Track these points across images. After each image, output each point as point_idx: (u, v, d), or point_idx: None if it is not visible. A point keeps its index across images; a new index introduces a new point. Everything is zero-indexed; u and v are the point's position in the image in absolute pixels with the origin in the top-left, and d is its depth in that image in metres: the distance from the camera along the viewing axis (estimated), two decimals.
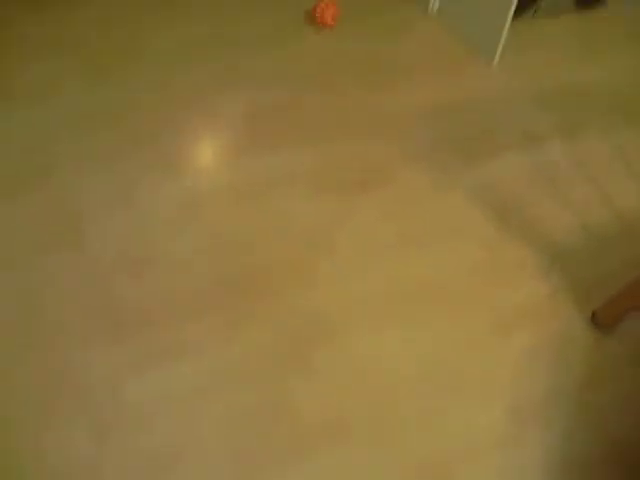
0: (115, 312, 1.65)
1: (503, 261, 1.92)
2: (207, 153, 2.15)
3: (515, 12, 2.53)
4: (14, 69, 2.34)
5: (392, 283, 1.81)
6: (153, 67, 2.41)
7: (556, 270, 1.92)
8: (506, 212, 2.07)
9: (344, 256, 1.87)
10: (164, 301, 1.69)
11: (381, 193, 2.06)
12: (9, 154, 2.03)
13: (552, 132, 2.37)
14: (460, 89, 2.49)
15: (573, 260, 1.96)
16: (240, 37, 2.60)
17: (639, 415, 1.61)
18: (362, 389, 1.58)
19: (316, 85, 2.43)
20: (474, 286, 1.85)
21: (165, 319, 1.65)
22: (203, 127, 2.24)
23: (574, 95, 2.55)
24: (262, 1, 2.81)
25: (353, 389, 1.58)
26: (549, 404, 1.60)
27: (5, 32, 2.49)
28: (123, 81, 2.33)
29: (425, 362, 1.65)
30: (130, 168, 2.03)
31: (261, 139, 2.19)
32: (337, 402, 1.55)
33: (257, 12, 2.74)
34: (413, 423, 1.53)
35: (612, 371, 1.70)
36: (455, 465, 1.47)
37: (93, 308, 1.66)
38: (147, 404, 1.50)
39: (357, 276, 1.82)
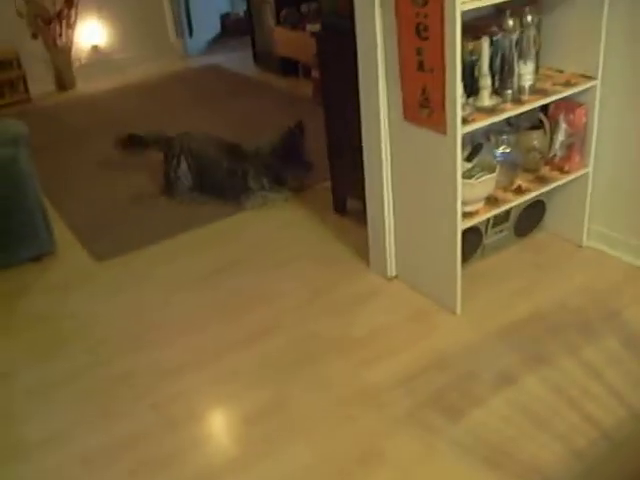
0: None
1: None
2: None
3: (464, 257, 2.80)
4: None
5: None
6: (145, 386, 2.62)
7: None
8: (498, 458, 2.15)
9: None
10: None
11: (380, 474, 2.16)
12: None
13: (524, 366, 2.52)
14: (430, 345, 2.68)
15: None
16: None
17: None
18: None
19: (298, 374, 2.61)
20: None
21: None
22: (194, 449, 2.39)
23: (536, 322, 2.74)
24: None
25: None
26: None
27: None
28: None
29: None
30: None
31: (254, 445, 2.33)
32: None
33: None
34: None
35: None
36: None
37: None
38: None
39: None
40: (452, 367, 2.56)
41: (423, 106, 2.54)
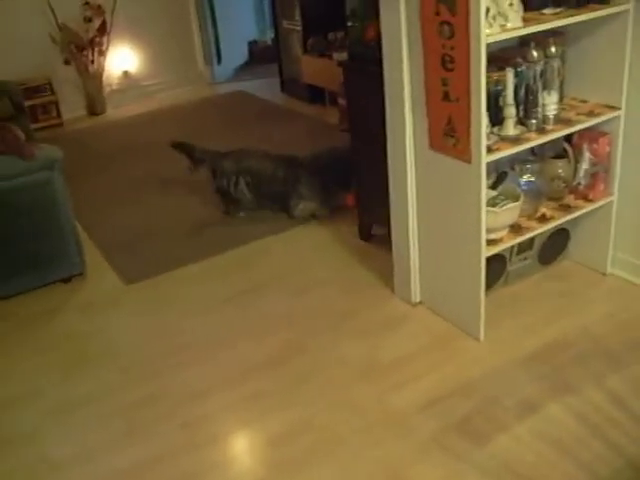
0: None
1: None
2: None
3: (488, 284, 2.83)
4: None
5: None
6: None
7: None
8: None
9: None
10: None
11: None
12: None
13: (548, 393, 2.53)
14: (454, 371, 2.70)
15: None
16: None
17: None
18: None
19: (324, 397, 2.65)
20: None
21: None
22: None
23: (560, 350, 2.75)
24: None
25: None
26: None
27: None
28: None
29: None
30: None
31: (279, 467, 2.36)
32: None
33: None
34: None
35: None
36: None
37: None
38: None
39: None
40: (476, 393, 2.58)
41: (448, 135, 2.59)
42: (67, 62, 6.58)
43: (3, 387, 2.90)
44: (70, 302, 3.51)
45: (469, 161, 2.54)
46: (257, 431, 2.55)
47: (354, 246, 3.70)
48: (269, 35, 8.10)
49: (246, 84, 7.30)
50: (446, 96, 2.53)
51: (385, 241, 3.48)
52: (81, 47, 6.54)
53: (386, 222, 3.17)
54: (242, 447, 2.55)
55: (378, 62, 2.87)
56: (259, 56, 8.00)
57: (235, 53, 7.76)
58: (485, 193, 2.57)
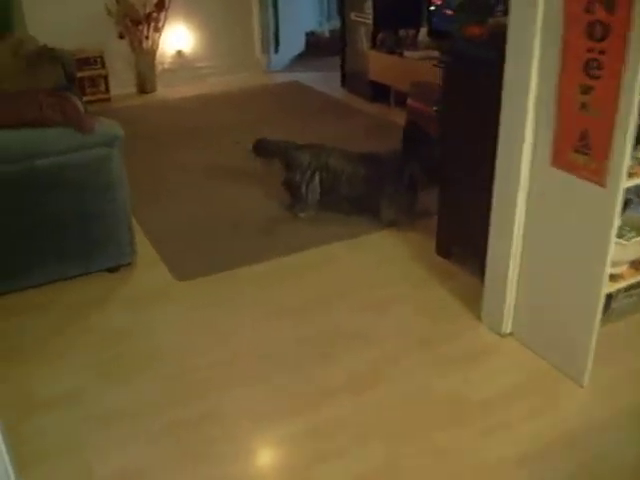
0: None
1: None
2: None
3: None
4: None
5: None
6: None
7: None
8: None
9: None
10: None
11: None
12: None
13: None
14: (554, 419, 2.37)
15: None
16: None
17: None
18: None
19: (410, 435, 2.33)
20: None
21: None
22: None
23: None
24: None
25: None
26: None
27: None
28: None
29: None
30: None
31: None
32: None
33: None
34: None
35: None
36: None
37: None
38: None
39: None
40: (582, 449, 2.25)
41: (580, 152, 2.26)
42: (121, 36, 6.32)
43: (40, 386, 2.60)
44: (115, 294, 3.22)
45: (603, 184, 2.20)
46: (336, 471, 2.20)
47: (431, 262, 3.36)
48: (327, 27, 7.82)
49: (302, 75, 6.99)
50: (584, 106, 2.20)
51: (467, 259, 3.18)
52: (137, 21, 6.26)
53: (466, 243, 2.85)
54: None
55: (487, 61, 2.56)
56: (315, 48, 7.70)
57: (292, 43, 7.46)
58: (617, 223, 2.24)
